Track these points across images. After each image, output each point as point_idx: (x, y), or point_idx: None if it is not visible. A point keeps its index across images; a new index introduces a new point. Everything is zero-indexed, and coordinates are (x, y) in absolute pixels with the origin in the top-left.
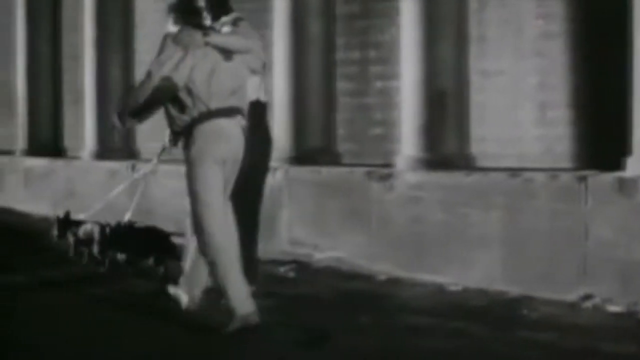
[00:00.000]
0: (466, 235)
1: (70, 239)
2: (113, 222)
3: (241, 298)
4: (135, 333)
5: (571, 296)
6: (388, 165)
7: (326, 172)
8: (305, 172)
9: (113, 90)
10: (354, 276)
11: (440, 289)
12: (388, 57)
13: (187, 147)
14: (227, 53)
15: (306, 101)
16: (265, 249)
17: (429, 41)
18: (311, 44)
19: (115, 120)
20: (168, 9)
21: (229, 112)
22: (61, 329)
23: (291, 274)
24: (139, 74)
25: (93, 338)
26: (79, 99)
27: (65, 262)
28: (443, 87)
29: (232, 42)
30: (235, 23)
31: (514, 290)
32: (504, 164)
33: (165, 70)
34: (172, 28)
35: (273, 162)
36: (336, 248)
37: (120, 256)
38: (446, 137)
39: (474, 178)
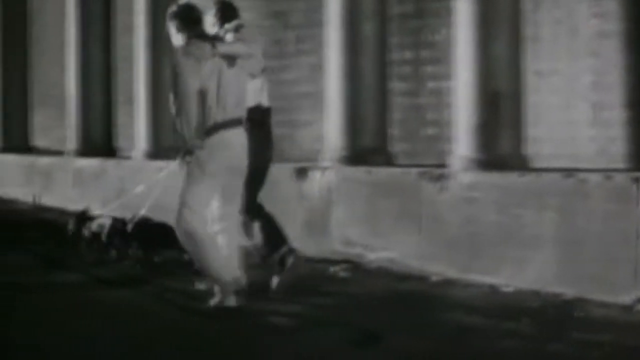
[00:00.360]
0: (520, 236)
1: (85, 232)
2: (128, 218)
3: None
4: (191, 328)
5: (625, 298)
6: (441, 165)
7: (378, 172)
8: (357, 172)
9: (165, 91)
10: (406, 277)
11: (493, 290)
12: (441, 57)
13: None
14: (230, 60)
15: (359, 101)
16: (317, 249)
17: (483, 41)
18: (364, 44)
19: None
20: (169, 17)
21: (232, 123)
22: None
23: (343, 274)
24: None
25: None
26: (131, 100)
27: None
28: (497, 88)
29: (237, 49)
30: (237, 29)
31: (568, 291)
32: (558, 164)
33: (194, 84)
34: (176, 35)
35: (324, 162)
36: (388, 248)
37: (133, 250)
38: (500, 137)
39: (527, 179)
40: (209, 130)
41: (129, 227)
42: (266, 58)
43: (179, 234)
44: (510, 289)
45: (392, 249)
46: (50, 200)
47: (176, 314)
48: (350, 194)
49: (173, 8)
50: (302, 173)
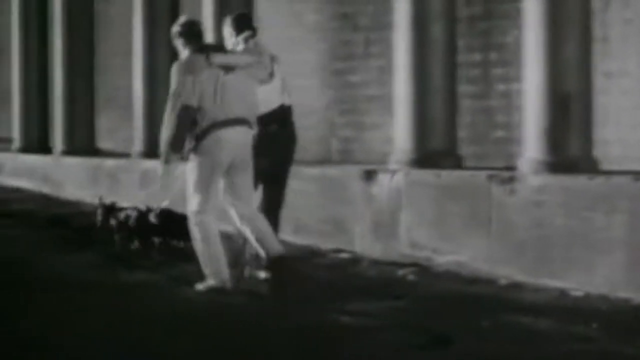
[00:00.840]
0: (589, 240)
1: (112, 222)
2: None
3: (218, 268)
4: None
5: None
6: (510, 168)
7: (447, 175)
8: (426, 175)
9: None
10: (475, 280)
11: (562, 294)
12: (510, 59)
13: (195, 151)
14: (227, 69)
15: (428, 104)
16: (385, 251)
17: (553, 42)
18: (433, 46)
19: (166, 159)
20: (174, 36)
21: (233, 122)
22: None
23: (411, 277)
24: None
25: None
26: None
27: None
28: (567, 89)
29: (232, 59)
30: (246, 40)
31: (637, 296)
32: (628, 167)
33: (184, 100)
34: (183, 52)
35: (393, 165)
36: (456, 252)
37: (157, 239)
38: (569, 139)
39: (597, 181)
40: (206, 128)
41: (152, 217)
42: (334, 60)
43: (190, 227)
44: (579, 293)
45: (461, 252)
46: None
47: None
48: (419, 196)
49: (176, 27)
50: (370, 175)
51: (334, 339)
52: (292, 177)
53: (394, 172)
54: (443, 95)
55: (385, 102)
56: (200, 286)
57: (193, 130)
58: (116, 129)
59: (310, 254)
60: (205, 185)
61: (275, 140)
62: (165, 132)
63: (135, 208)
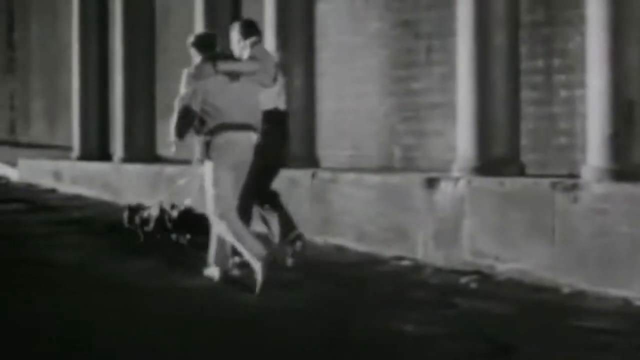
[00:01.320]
0: None
1: (137, 220)
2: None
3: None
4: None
5: None
6: (573, 176)
7: (510, 182)
8: (488, 182)
9: (295, 100)
10: (538, 289)
11: (626, 303)
12: (573, 65)
13: (207, 155)
14: (233, 75)
15: (490, 110)
16: (447, 259)
17: (616, 48)
18: (495, 52)
19: (174, 139)
20: (188, 45)
21: (237, 126)
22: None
23: (473, 285)
24: (321, 83)
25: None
26: None
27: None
28: (631, 95)
29: (237, 66)
30: (253, 45)
31: None
32: None
33: (185, 102)
34: (196, 58)
35: (455, 172)
36: (519, 260)
37: (176, 235)
38: (633, 147)
39: None
40: (213, 129)
41: (174, 215)
42: (395, 67)
43: (212, 219)
44: None
45: (523, 260)
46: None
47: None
48: (482, 204)
49: (190, 38)
50: (432, 183)
51: (396, 347)
52: (354, 185)
53: (456, 180)
54: (506, 102)
55: (448, 109)
56: (208, 272)
57: (201, 135)
58: None
59: (372, 262)
60: (222, 183)
61: (267, 139)
62: (172, 129)
63: (158, 207)
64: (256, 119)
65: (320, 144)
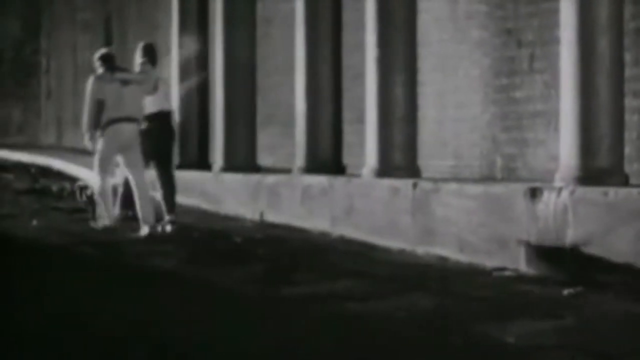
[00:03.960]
0: None
1: (84, 197)
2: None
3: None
4: None
5: None
6: None
7: (614, 193)
8: (592, 192)
9: (396, 109)
10: None
11: None
12: None
13: (101, 137)
14: (125, 83)
15: (594, 119)
16: (550, 270)
17: None
18: (599, 60)
19: (87, 137)
20: (95, 59)
21: (125, 119)
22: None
23: (576, 296)
24: (422, 93)
25: None
26: (360, 118)
27: (346, 276)
28: None
29: (127, 77)
30: (142, 64)
31: None
32: None
33: (98, 96)
34: (99, 69)
35: (558, 182)
36: (624, 271)
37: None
38: None
39: None
40: (107, 122)
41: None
42: (498, 76)
43: (99, 190)
44: None
45: (628, 272)
46: (277, 217)
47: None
48: (586, 215)
49: (97, 54)
50: (535, 193)
51: (497, 358)
52: (455, 195)
53: (559, 190)
54: (609, 111)
55: (550, 118)
56: (94, 224)
57: (98, 123)
58: (276, 146)
59: (474, 272)
60: (104, 160)
61: (154, 132)
62: (84, 120)
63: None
64: (139, 114)
65: (421, 154)
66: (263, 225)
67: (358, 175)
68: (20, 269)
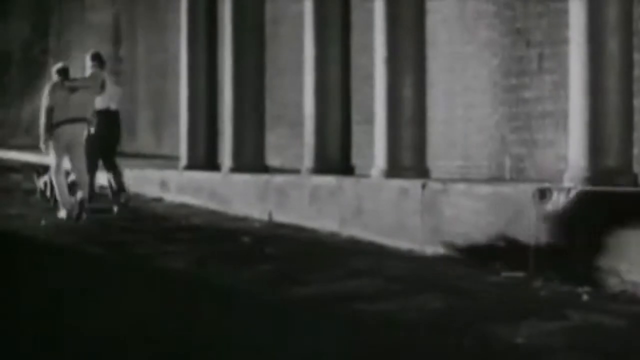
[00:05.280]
0: None
1: (41, 184)
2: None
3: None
4: None
5: None
6: None
7: (622, 194)
8: (600, 192)
9: (405, 110)
10: None
11: None
12: None
13: (50, 137)
14: (72, 90)
15: (603, 120)
16: (559, 271)
17: None
18: (608, 60)
19: (43, 140)
20: (53, 71)
21: (74, 120)
22: None
23: (585, 297)
24: (431, 93)
25: None
26: (368, 119)
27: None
28: None
29: (76, 84)
30: (91, 69)
31: None
32: None
33: (49, 103)
34: (54, 77)
35: (567, 182)
36: (633, 272)
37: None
38: None
39: None
40: (56, 124)
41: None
42: (506, 76)
43: (54, 183)
44: None
45: (637, 273)
46: (285, 217)
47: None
48: (595, 215)
49: (55, 67)
50: (544, 193)
51: (507, 358)
52: (464, 196)
53: (568, 190)
54: (618, 111)
55: (559, 118)
56: (59, 214)
57: (50, 127)
58: (285, 146)
59: (483, 273)
60: (58, 155)
61: (101, 126)
62: (42, 123)
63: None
64: (84, 113)
65: (430, 155)
66: (271, 225)
67: (367, 176)
68: (30, 269)
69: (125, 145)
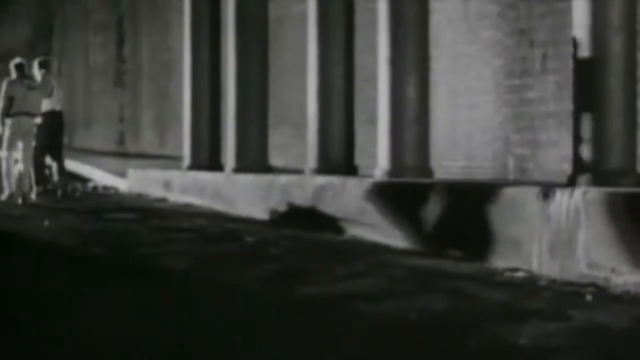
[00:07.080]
0: None
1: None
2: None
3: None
4: None
5: None
6: None
7: (625, 194)
8: (604, 193)
9: (408, 110)
10: None
11: None
12: None
13: (7, 126)
14: (29, 87)
15: (606, 119)
16: (562, 271)
17: None
18: (612, 61)
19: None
20: (12, 68)
21: (26, 114)
22: None
23: (588, 298)
24: (434, 93)
25: None
26: (372, 119)
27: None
28: None
29: (31, 84)
30: (42, 74)
31: None
32: None
33: (8, 95)
34: (13, 74)
35: (568, 182)
36: (637, 272)
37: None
38: None
39: None
40: (13, 114)
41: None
42: (510, 76)
43: (3, 167)
44: None
45: None
46: (288, 217)
47: None
48: (598, 215)
49: (13, 62)
50: (547, 194)
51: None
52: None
53: (572, 191)
54: (622, 111)
55: (562, 118)
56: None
57: (8, 115)
58: (288, 146)
59: (486, 273)
60: (9, 144)
61: (46, 125)
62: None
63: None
64: (37, 111)
65: (433, 155)
66: (275, 225)
67: (370, 176)
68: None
69: (129, 145)
